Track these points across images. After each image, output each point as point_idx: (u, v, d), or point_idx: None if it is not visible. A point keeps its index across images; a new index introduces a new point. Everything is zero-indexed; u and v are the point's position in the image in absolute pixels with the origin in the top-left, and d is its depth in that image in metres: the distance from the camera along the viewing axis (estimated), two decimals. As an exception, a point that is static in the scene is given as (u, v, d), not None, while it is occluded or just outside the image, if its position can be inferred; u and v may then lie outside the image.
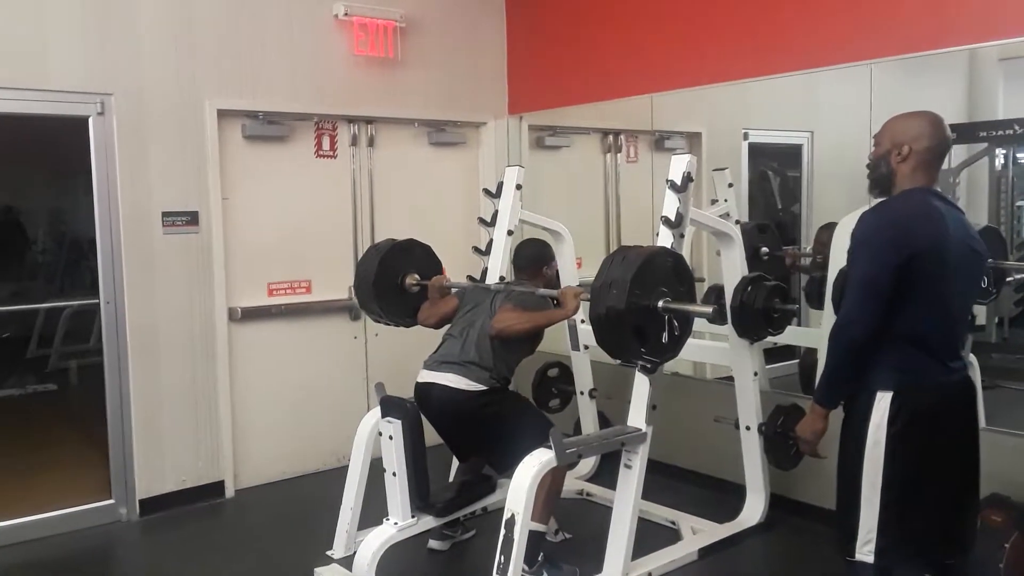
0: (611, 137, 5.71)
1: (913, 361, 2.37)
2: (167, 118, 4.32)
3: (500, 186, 4.33)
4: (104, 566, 4.02)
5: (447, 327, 3.72)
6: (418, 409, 3.40)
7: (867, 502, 2.38)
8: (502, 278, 4.19)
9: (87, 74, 4.09)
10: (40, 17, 3.96)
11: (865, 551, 2.38)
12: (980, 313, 4.94)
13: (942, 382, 2.41)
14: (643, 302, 2.85)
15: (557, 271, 3.94)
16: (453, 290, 3.86)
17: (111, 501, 4.29)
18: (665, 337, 2.94)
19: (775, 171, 5.54)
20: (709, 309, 3.00)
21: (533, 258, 3.79)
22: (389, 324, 4.02)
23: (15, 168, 6.76)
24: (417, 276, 3.90)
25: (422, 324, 3.89)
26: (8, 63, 3.89)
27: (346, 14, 4.83)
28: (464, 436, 3.57)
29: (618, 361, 3.11)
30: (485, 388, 3.43)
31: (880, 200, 2.51)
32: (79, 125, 4.14)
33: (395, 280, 3.89)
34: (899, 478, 2.35)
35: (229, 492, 4.60)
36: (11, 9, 3.89)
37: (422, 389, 3.53)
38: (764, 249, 4.35)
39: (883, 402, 2.36)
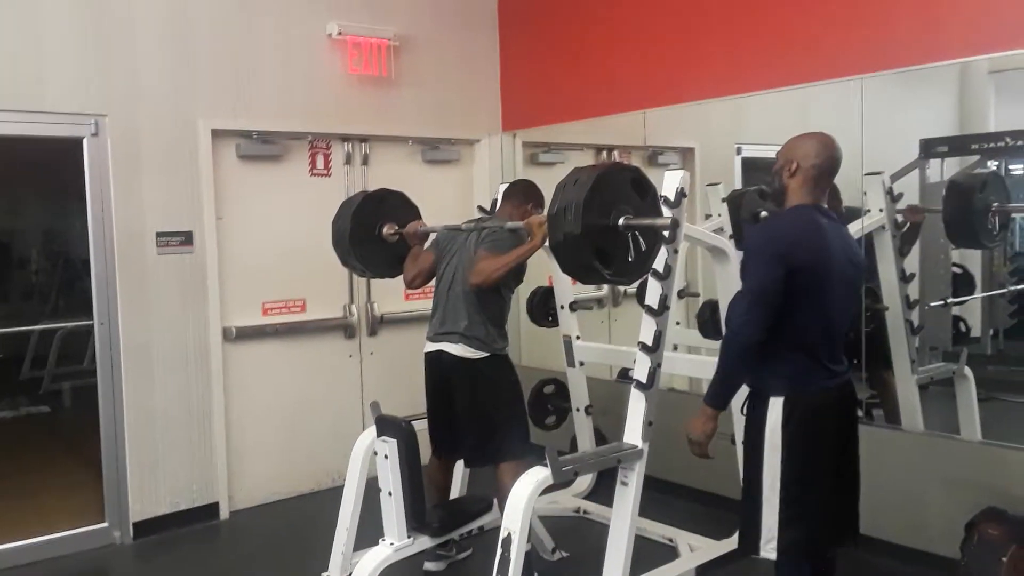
0: (605, 153, 5.72)
1: (800, 368, 2.55)
2: (161, 138, 4.33)
3: (494, 203, 4.33)
4: (97, 590, 3.99)
5: (432, 283, 3.70)
6: (413, 429, 3.38)
7: (767, 502, 2.54)
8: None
9: (81, 95, 4.10)
10: (35, 39, 3.97)
11: (768, 548, 2.55)
12: (975, 325, 4.95)
13: (826, 386, 2.59)
14: (601, 222, 2.74)
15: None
16: (431, 235, 3.81)
17: (104, 524, 4.26)
18: (631, 255, 2.86)
19: (767, 184, 5.54)
20: (668, 220, 2.90)
21: (526, 192, 3.71)
22: (373, 277, 3.99)
23: (9, 189, 6.76)
24: (395, 225, 3.84)
25: (409, 287, 3.84)
26: (3, 84, 3.89)
27: (339, 33, 4.84)
28: (458, 405, 3.52)
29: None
30: (487, 354, 3.47)
31: (767, 216, 2.73)
32: (73, 146, 4.14)
33: (372, 232, 3.82)
34: (794, 477, 2.52)
35: (224, 514, 4.56)
36: (6, 31, 3.90)
37: (432, 356, 3.57)
38: (763, 213, 4.35)
39: (776, 407, 2.54)
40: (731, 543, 3.82)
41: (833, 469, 2.59)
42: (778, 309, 2.48)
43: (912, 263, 4.32)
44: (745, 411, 2.69)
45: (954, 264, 4.76)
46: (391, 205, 3.88)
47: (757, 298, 2.49)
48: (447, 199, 5.41)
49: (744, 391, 2.71)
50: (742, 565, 3.73)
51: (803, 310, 2.50)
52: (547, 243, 3.30)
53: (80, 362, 5.67)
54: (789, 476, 2.52)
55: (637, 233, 2.84)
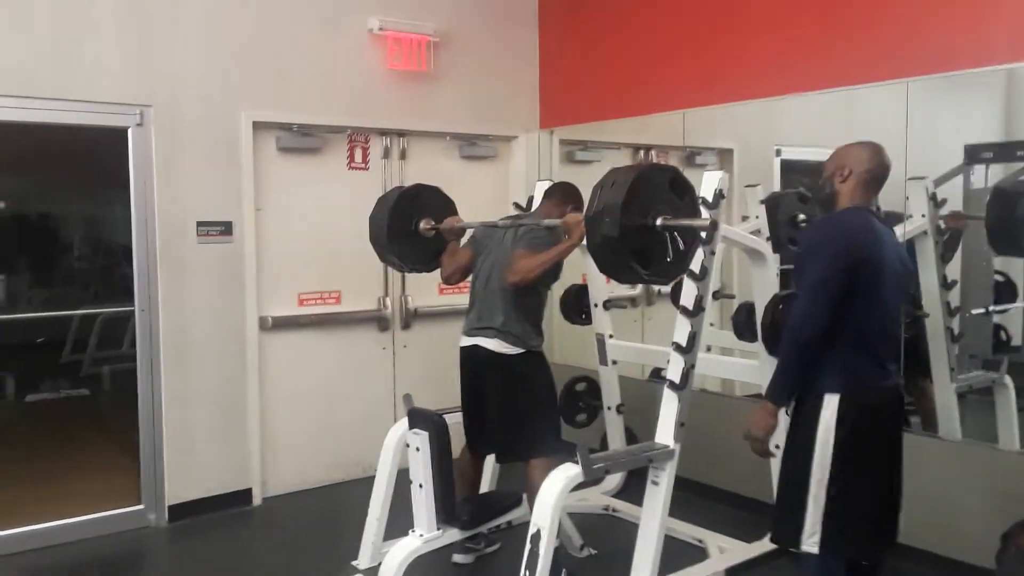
0: (642, 152, 5.70)
1: (857, 365, 2.57)
2: (203, 129, 4.39)
3: (531, 200, 4.34)
4: (133, 571, 4.07)
5: (470, 280, 3.71)
6: (445, 422, 3.40)
7: (813, 499, 2.56)
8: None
9: (127, 86, 4.17)
10: (83, 30, 4.05)
11: (811, 542, 2.57)
12: (1016, 334, 4.86)
13: (881, 386, 2.63)
14: (639, 223, 2.73)
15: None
16: (468, 231, 3.83)
17: (141, 507, 4.34)
18: (669, 255, 2.84)
19: (807, 187, 5.50)
20: (708, 221, 2.91)
21: (566, 193, 3.71)
22: (410, 271, 4.03)
23: (53, 176, 6.89)
24: (432, 221, 3.84)
25: (446, 283, 3.86)
26: (53, 75, 3.98)
27: (380, 29, 4.88)
28: (492, 400, 3.54)
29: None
30: (523, 351, 3.49)
31: (825, 215, 2.77)
32: (118, 135, 4.22)
33: (409, 227, 3.83)
34: (844, 475, 2.54)
35: (256, 500, 4.63)
36: (55, 22, 3.98)
37: (468, 351, 3.59)
38: (801, 216, 4.33)
39: (831, 404, 2.55)
40: (762, 546, 3.82)
41: (881, 471, 2.62)
42: (839, 304, 2.50)
43: (954, 270, 4.26)
44: (792, 407, 2.70)
45: (996, 272, 4.68)
46: (426, 200, 3.90)
47: (822, 290, 2.51)
48: (483, 195, 5.42)
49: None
50: (772, 568, 3.73)
51: (862, 306, 2.53)
52: (584, 242, 3.32)
53: (119, 347, 5.76)
54: (839, 475, 2.53)
55: (675, 233, 2.83)
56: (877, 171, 2.67)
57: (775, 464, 3.86)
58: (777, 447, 3.78)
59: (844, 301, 2.50)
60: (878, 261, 2.55)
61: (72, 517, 4.17)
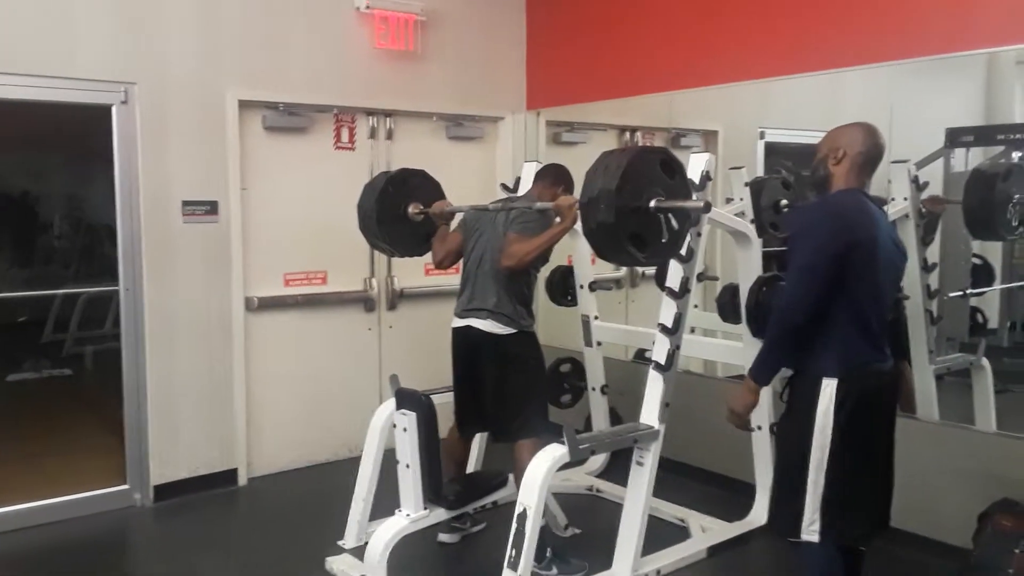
0: (628, 134, 5.72)
1: (855, 348, 2.53)
2: (189, 108, 4.36)
3: (517, 181, 4.35)
4: (119, 551, 4.08)
5: (461, 263, 3.73)
6: (432, 402, 3.42)
7: (812, 485, 2.52)
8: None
9: (112, 63, 4.13)
10: (67, 6, 3.99)
11: (811, 531, 2.53)
12: (993, 316, 4.94)
13: (880, 369, 2.60)
14: (634, 205, 2.75)
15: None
16: (457, 215, 3.84)
17: (126, 486, 4.34)
18: (664, 236, 2.87)
19: (789, 170, 5.54)
20: (702, 203, 2.91)
21: (557, 176, 3.73)
22: (402, 256, 4.04)
23: (34, 154, 6.82)
24: (420, 205, 3.85)
25: (438, 267, 3.87)
26: (35, 51, 3.93)
27: (368, 7, 4.85)
28: (485, 380, 3.57)
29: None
30: (515, 331, 3.52)
31: (818, 197, 2.71)
32: (101, 113, 4.17)
33: (397, 212, 3.83)
34: (843, 460, 2.50)
35: (242, 480, 4.64)
36: (38, -2, 3.93)
37: (460, 331, 3.61)
38: (784, 202, 4.37)
39: (829, 389, 2.51)
40: (743, 525, 3.89)
41: (878, 454, 2.61)
42: (831, 286, 2.47)
43: (933, 253, 4.31)
44: (789, 391, 2.67)
45: (974, 255, 4.75)
46: (413, 184, 3.90)
47: (811, 274, 2.48)
48: (470, 176, 5.42)
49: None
50: (753, 547, 3.79)
51: (858, 287, 2.50)
52: (576, 224, 3.34)
53: (102, 327, 5.75)
54: (838, 460, 2.50)
55: (668, 213, 2.86)
56: (871, 153, 2.62)
57: (756, 445, 3.94)
58: (759, 428, 3.86)
59: (837, 284, 2.47)
60: (871, 243, 2.50)
61: (56, 497, 4.16)
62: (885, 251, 2.55)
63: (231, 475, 4.61)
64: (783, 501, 2.64)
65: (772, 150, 5.38)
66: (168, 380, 4.37)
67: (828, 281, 2.46)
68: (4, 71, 3.85)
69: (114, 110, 4.17)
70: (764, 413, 3.85)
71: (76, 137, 5.14)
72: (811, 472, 2.51)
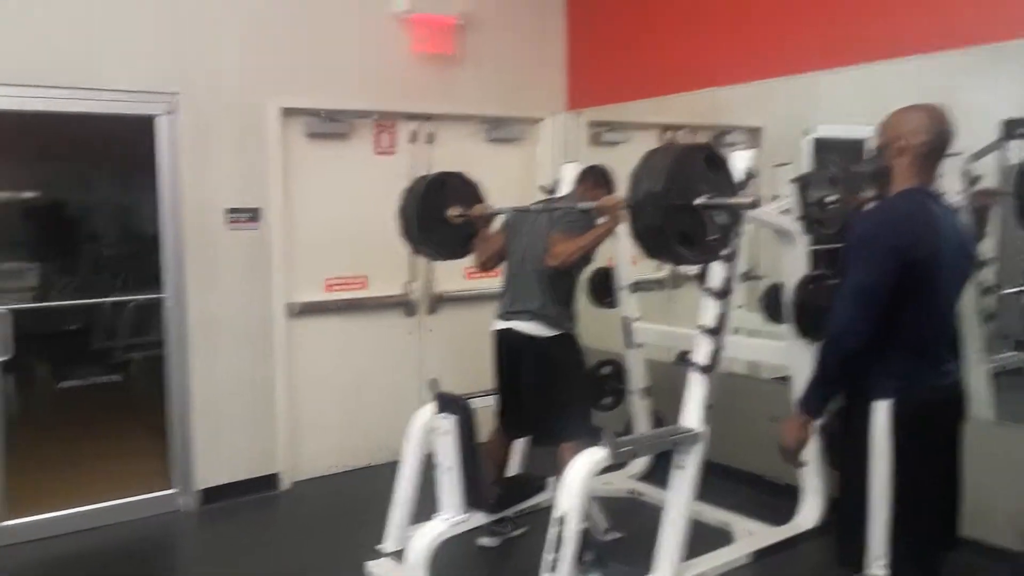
0: (670, 133, 5.64)
1: (910, 368, 2.33)
2: (232, 116, 4.41)
3: (557, 182, 4.31)
4: (165, 554, 4.14)
5: (504, 265, 3.71)
6: (471, 406, 3.40)
7: (875, 515, 2.35)
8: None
9: (156, 74, 4.19)
10: (111, 19, 4.07)
11: (878, 566, 2.34)
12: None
13: (937, 387, 2.38)
14: (680, 205, 2.69)
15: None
16: (498, 218, 3.82)
17: (172, 491, 4.40)
18: (713, 232, 2.80)
19: (837, 166, 5.40)
20: (750, 199, 2.84)
21: (600, 177, 3.72)
22: (445, 259, 4.05)
23: (82, 165, 6.98)
24: (460, 207, 3.83)
25: (482, 270, 3.86)
26: (81, 64, 4.01)
27: (406, 12, 4.85)
28: (527, 382, 3.54)
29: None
30: (558, 333, 3.49)
31: (876, 202, 2.46)
32: (146, 123, 4.24)
33: (438, 216, 3.82)
34: (906, 488, 2.32)
35: (284, 484, 4.67)
36: (83, 11, 4.01)
37: (502, 334, 3.60)
38: (829, 198, 4.24)
39: (882, 411, 2.32)
40: (788, 529, 3.79)
41: (942, 476, 2.41)
42: (888, 308, 2.25)
43: (988, 248, 4.17)
44: (843, 419, 2.47)
45: (1030, 250, 4.59)
46: (452, 187, 3.88)
47: (867, 297, 2.26)
48: (510, 178, 5.39)
49: None
50: (799, 552, 3.69)
51: (915, 307, 2.28)
52: (620, 224, 3.30)
53: (149, 334, 5.84)
54: (901, 486, 2.31)
55: (716, 209, 2.80)
56: (936, 142, 2.33)
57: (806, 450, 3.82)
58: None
59: (894, 305, 2.25)
60: (934, 258, 2.26)
61: (105, 501, 4.23)
62: (950, 262, 2.32)
63: (273, 479, 4.64)
64: (847, 534, 2.45)
65: (819, 146, 5.25)
66: (212, 385, 4.42)
67: (884, 303, 2.25)
68: (51, 84, 3.93)
69: (158, 121, 4.23)
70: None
71: (123, 148, 5.23)
72: (873, 504, 2.34)
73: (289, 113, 4.62)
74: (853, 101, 4.81)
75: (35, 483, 4.37)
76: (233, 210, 4.44)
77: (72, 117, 4.17)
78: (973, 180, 3.98)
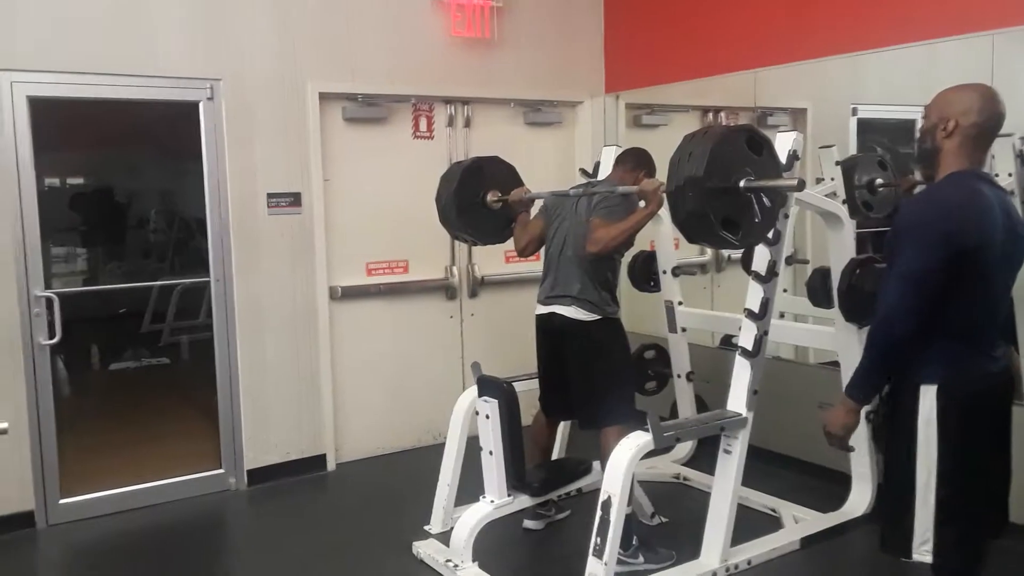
0: (711, 115, 5.58)
1: (958, 354, 2.28)
2: (271, 102, 4.44)
3: (597, 166, 4.29)
4: (215, 533, 4.22)
5: (544, 250, 3.71)
6: (514, 390, 3.42)
7: (922, 501, 2.30)
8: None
9: (198, 60, 4.24)
10: (154, 5, 4.12)
11: (923, 550, 2.31)
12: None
13: (986, 372, 2.32)
14: (722, 188, 2.66)
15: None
16: (537, 201, 3.82)
17: (221, 471, 4.48)
18: (758, 216, 2.77)
19: (884, 147, 5.31)
20: (795, 181, 2.77)
21: (638, 160, 3.70)
22: (483, 244, 4.08)
23: (130, 151, 7.07)
24: (498, 192, 3.82)
25: (521, 254, 3.86)
26: (126, 52, 4.06)
27: (443, -5, 4.85)
28: (570, 367, 3.54)
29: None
30: (600, 317, 3.47)
31: (926, 187, 2.39)
32: (188, 109, 4.30)
33: (476, 201, 3.82)
34: (953, 474, 2.27)
35: (330, 465, 4.74)
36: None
37: (544, 318, 3.59)
38: (879, 180, 4.17)
39: (928, 396, 2.27)
40: (838, 516, 3.76)
41: (991, 463, 2.36)
42: (938, 295, 2.21)
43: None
44: (889, 403, 2.43)
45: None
46: (489, 172, 3.88)
47: (917, 284, 2.20)
48: (548, 162, 5.38)
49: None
50: (849, 538, 3.67)
51: (964, 294, 2.23)
52: (660, 209, 3.28)
53: (196, 317, 5.94)
54: (947, 473, 2.27)
55: (760, 192, 2.76)
56: (987, 124, 2.26)
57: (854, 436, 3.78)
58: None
59: (944, 290, 2.20)
60: (986, 245, 2.20)
61: (156, 480, 4.33)
62: (1002, 247, 2.25)
63: (320, 460, 4.71)
64: (893, 519, 2.41)
65: (866, 127, 5.16)
66: (258, 368, 4.49)
67: (935, 289, 2.20)
68: (97, 71, 4.00)
69: (201, 106, 4.29)
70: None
71: (169, 134, 5.31)
72: (919, 489, 2.30)
73: (327, 98, 4.65)
74: (901, 81, 4.72)
75: (88, 463, 4.48)
76: (275, 195, 4.49)
77: (119, 104, 4.24)
78: (1027, 161, 3.89)
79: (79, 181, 7.63)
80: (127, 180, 7.71)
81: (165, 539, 3.97)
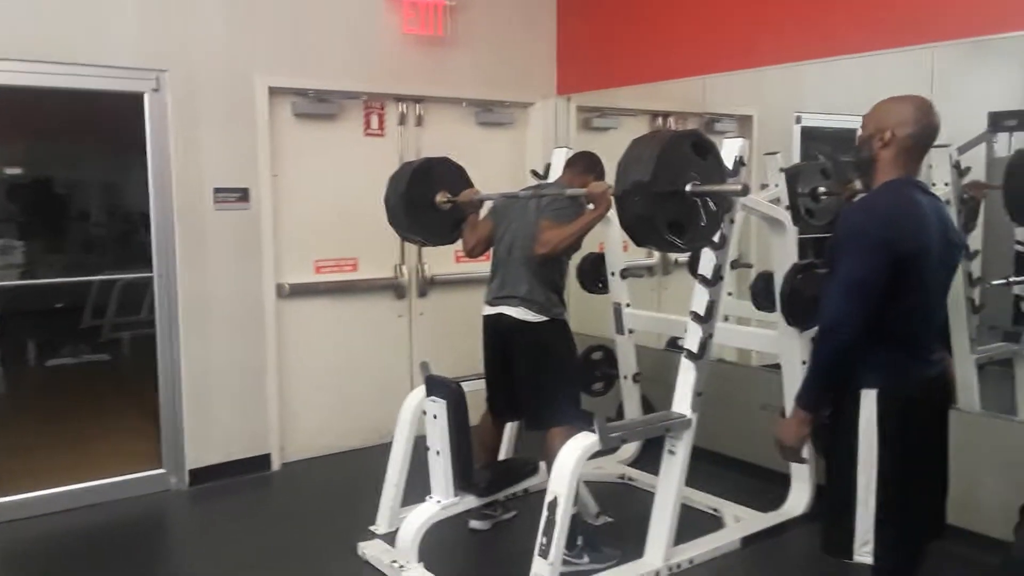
0: (660, 119, 5.65)
1: (897, 359, 2.33)
2: (219, 95, 4.37)
3: (547, 168, 4.32)
4: (155, 534, 4.14)
5: (492, 251, 3.71)
6: (463, 390, 3.42)
7: (862, 503, 2.34)
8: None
9: (143, 50, 4.15)
10: (98, -6, 4.02)
11: (864, 551, 2.36)
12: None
13: (924, 377, 2.38)
14: (669, 192, 2.69)
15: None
16: (486, 203, 3.82)
17: (162, 470, 4.40)
18: (703, 220, 2.81)
19: (826, 155, 5.43)
20: (740, 186, 2.84)
21: (589, 163, 3.72)
22: (433, 245, 4.06)
23: (71, 142, 6.91)
24: (448, 193, 3.80)
25: (469, 255, 3.85)
26: (67, 39, 3.96)
27: (396, -8, 4.83)
28: (516, 368, 3.55)
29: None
30: (547, 319, 3.49)
31: (863, 195, 2.45)
32: (134, 101, 4.20)
33: (425, 203, 3.79)
34: (893, 476, 2.32)
35: (275, 465, 4.68)
36: (70, -15, 3.96)
37: (491, 319, 3.59)
38: (821, 188, 4.27)
39: (869, 400, 2.32)
40: (777, 515, 3.84)
41: (930, 464, 2.42)
42: (879, 301, 2.24)
43: (975, 240, 4.21)
44: (831, 408, 2.46)
45: (1017, 242, 4.64)
46: (438, 172, 3.85)
47: (859, 288, 2.24)
48: (500, 162, 5.39)
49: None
50: (788, 538, 3.75)
51: (903, 300, 2.27)
52: (609, 211, 3.31)
53: (138, 312, 5.83)
54: (888, 475, 2.31)
55: (705, 196, 2.80)
56: (923, 135, 2.31)
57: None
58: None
59: (884, 296, 2.25)
60: (922, 252, 2.26)
61: (95, 480, 4.22)
62: (938, 254, 2.31)
63: (264, 460, 4.65)
64: (834, 521, 2.46)
65: (809, 135, 5.28)
66: (202, 365, 4.41)
67: (876, 297, 2.24)
68: (38, 59, 3.88)
69: (146, 97, 4.20)
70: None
71: (111, 125, 5.19)
72: (860, 491, 2.34)
73: (277, 92, 4.59)
74: (843, 91, 4.84)
75: (23, 462, 4.37)
76: (222, 189, 4.42)
77: (59, 93, 4.13)
78: (963, 172, 4.02)
79: (17, 172, 7.42)
80: (68, 171, 7.53)
81: (102, 541, 3.87)
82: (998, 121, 4.46)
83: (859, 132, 2.45)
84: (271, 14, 4.50)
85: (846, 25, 4.04)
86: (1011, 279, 4.53)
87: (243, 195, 4.48)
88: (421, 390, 3.59)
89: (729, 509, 3.89)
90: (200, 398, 4.42)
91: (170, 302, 4.33)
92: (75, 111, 5.53)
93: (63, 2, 3.94)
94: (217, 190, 4.40)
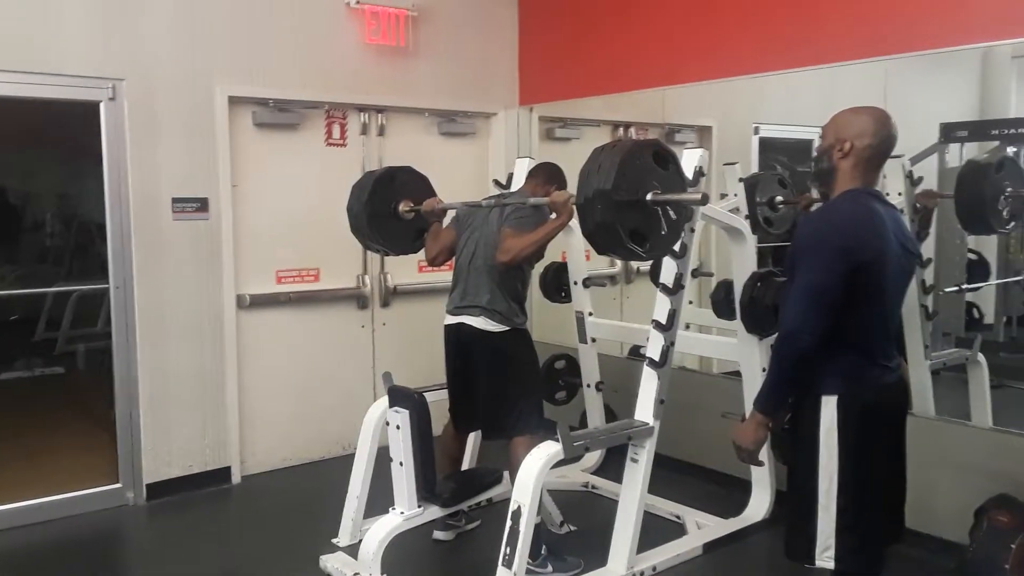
0: (621, 129, 5.70)
1: (855, 366, 2.36)
2: (178, 104, 4.32)
3: (510, 177, 4.33)
4: (111, 549, 4.06)
5: (454, 260, 3.70)
6: (425, 400, 3.41)
7: (824, 508, 2.36)
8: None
9: (99, 59, 4.09)
10: (54, 1, 3.95)
11: (825, 556, 2.38)
12: (989, 312, 4.94)
13: (882, 383, 2.41)
14: (630, 202, 2.72)
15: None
16: (449, 212, 3.81)
17: (118, 485, 4.31)
18: (664, 228, 2.83)
19: (784, 166, 5.54)
20: (699, 195, 2.85)
21: (550, 173, 3.72)
22: (397, 254, 4.03)
23: (26, 151, 6.78)
24: (411, 202, 3.79)
25: (432, 264, 3.82)
26: (21, 46, 3.89)
27: (358, 2, 4.82)
28: (478, 377, 3.54)
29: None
30: (508, 328, 3.49)
31: (822, 204, 2.49)
32: (90, 110, 4.14)
33: (388, 212, 3.78)
34: (853, 481, 2.35)
35: (235, 478, 4.61)
36: (24, -8, 3.89)
37: (453, 328, 3.58)
38: (779, 198, 4.34)
39: (829, 407, 2.35)
40: (738, 521, 3.88)
41: (888, 469, 2.45)
42: (838, 308, 2.27)
43: (927, 248, 4.31)
44: (792, 415, 2.50)
45: (969, 250, 4.75)
46: (401, 181, 3.85)
47: (816, 298, 2.27)
48: (463, 172, 5.40)
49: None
50: (749, 543, 3.79)
51: (861, 308, 2.30)
52: (572, 220, 3.32)
53: (94, 325, 5.72)
54: (848, 480, 2.33)
55: (666, 205, 2.83)
56: (881, 146, 2.35)
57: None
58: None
59: (842, 304, 2.28)
60: (880, 260, 2.29)
61: (49, 496, 4.13)
62: (895, 264, 2.35)
63: (224, 473, 4.58)
64: (796, 526, 2.48)
65: (766, 145, 5.38)
66: (160, 378, 4.34)
67: (835, 304, 2.27)
68: (-9, 67, 3.82)
69: (102, 107, 4.14)
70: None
71: (67, 134, 5.11)
72: (821, 496, 2.36)
73: (237, 102, 4.55)
74: (800, 102, 4.93)
75: (-26, 478, 4.26)
76: (180, 199, 4.36)
77: (12, 101, 4.04)
78: (916, 181, 4.11)
79: (-31, 182, 7.27)
80: (23, 182, 7.38)
81: (56, 558, 3.78)
82: (950, 132, 4.58)
83: (818, 142, 2.48)
84: (231, 23, 4.47)
85: (802, 38, 4.11)
86: (963, 286, 4.64)
87: (202, 205, 4.43)
88: (384, 401, 3.57)
89: (691, 515, 3.92)
90: (158, 411, 4.35)
91: (127, 314, 4.26)
92: (29, 120, 5.43)
93: (16, 9, 3.87)
94: (175, 200, 4.34)
